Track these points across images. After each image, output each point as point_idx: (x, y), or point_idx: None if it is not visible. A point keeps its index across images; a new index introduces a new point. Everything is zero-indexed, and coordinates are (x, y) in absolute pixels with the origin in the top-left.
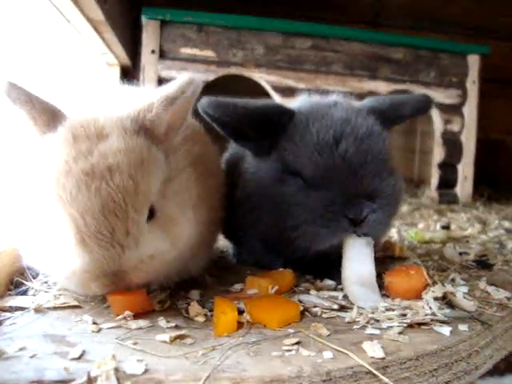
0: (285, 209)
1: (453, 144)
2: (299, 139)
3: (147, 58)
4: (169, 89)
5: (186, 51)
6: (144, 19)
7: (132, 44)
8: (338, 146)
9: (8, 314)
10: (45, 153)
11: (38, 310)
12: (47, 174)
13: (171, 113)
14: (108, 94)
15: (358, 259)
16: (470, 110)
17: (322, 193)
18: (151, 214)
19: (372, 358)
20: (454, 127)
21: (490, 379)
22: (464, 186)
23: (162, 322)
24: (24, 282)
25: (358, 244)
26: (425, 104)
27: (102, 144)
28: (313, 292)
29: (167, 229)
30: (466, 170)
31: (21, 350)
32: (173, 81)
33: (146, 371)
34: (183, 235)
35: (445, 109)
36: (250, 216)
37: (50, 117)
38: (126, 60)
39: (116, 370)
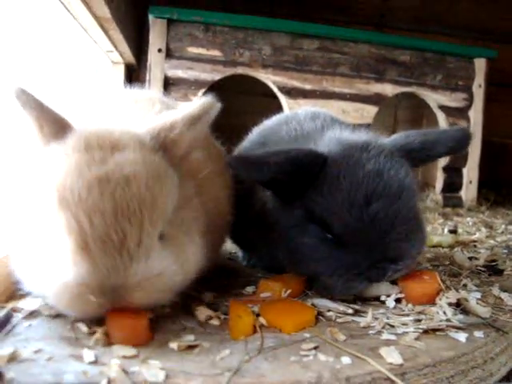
0: (304, 258)
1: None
2: (329, 193)
3: (154, 57)
4: (192, 109)
5: (193, 50)
6: (151, 18)
7: (137, 42)
8: (369, 207)
9: (20, 315)
10: (48, 160)
11: (49, 314)
12: (50, 178)
13: (193, 134)
14: (114, 100)
15: None
16: (476, 114)
17: (347, 253)
18: (160, 236)
19: (390, 363)
20: None
21: None
22: (469, 190)
23: (176, 324)
24: None
25: None
26: (461, 142)
27: (118, 155)
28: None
29: (176, 253)
30: (470, 173)
31: (36, 352)
32: (194, 101)
33: (165, 376)
34: (191, 261)
35: (451, 112)
36: (266, 238)
37: (58, 127)
38: (130, 58)
39: (134, 375)
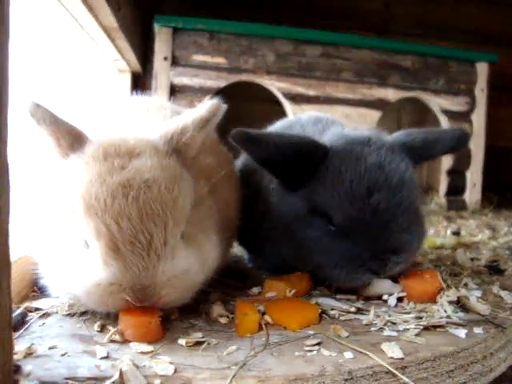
0: (308, 251)
1: (461, 151)
2: (331, 184)
3: (159, 65)
4: (200, 112)
5: (198, 58)
6: (157, 26)
7: (143, 51)
8: (371, 198)
9: (35, 315)
10: (69, 170)
11: (61, 313)
12: (74, 187)
13: (203, 136)
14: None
15: None
16: (479, 118)
17: (349, 243)
18: (181, 236)
19: (391, 358)
20: None
21: None
22: (472, 193)
23: (185, 323)
24: None
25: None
26: (460, 140)
27: (136, 161)
28: (330, 295)
29: (196, 251)
30: (474, 176)
31: (51, 348)
32: (200, 105)
33: (174, 370)
34: (210, 259)
35: (453, 116)
36: (271, 236)
37: (74, 138)
38: (137, 66)
39: (145, 368)
